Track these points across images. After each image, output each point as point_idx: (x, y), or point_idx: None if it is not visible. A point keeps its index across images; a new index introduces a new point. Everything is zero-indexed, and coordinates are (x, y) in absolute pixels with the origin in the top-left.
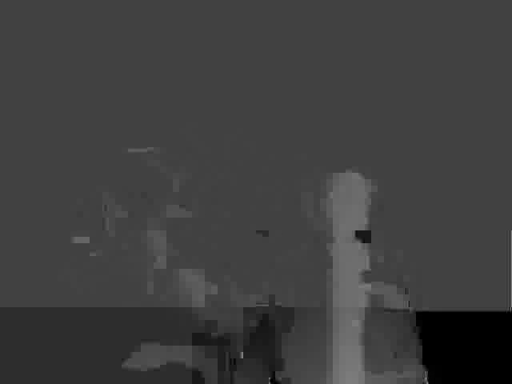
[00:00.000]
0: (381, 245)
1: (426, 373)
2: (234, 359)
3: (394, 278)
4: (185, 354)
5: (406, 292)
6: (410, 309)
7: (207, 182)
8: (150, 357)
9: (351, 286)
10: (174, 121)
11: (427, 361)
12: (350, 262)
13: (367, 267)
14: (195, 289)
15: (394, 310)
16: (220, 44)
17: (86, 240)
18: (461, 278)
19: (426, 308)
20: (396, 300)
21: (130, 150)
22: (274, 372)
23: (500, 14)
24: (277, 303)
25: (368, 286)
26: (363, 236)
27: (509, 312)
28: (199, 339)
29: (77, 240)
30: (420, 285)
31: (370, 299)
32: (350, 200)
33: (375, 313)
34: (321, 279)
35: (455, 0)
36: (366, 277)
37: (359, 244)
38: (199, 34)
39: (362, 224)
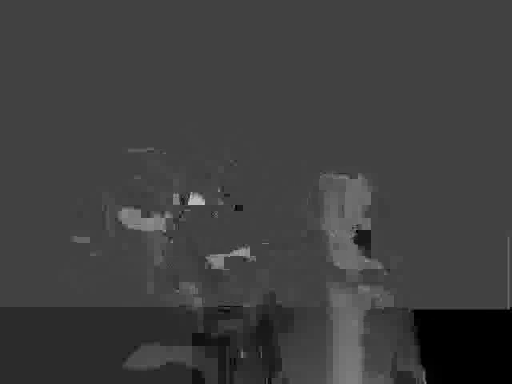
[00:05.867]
0: (380, 245)
1: (424, 372)
2: (234, 359)
3: (389, 278)
4: (185, 354)
5: (400, 292)
6: (409, 308)
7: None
8: (150, 357)
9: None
10: (174, 121)
11: (426, 360)
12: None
13: (365, 267)
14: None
15: (393, 310)
16: (220, 45)
17: (86, 240)
18: (460, 277)
19: (424, 307)
20: (390, 300)
21: (130, 150)
22: (273, 372)
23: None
24: (277, 303)
25: (366, 287)
26: (363, 237)
27: (507, 310)
28: (199, 339)
29: (77, 240)
30: (419, 284)
31: (369, 300)
32: (351, 201)
33: (375, 313)
34: (321, 279)
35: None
36: (364, 277)
37: (358, 244)
38: (199, 34)
39: (362, 224)
